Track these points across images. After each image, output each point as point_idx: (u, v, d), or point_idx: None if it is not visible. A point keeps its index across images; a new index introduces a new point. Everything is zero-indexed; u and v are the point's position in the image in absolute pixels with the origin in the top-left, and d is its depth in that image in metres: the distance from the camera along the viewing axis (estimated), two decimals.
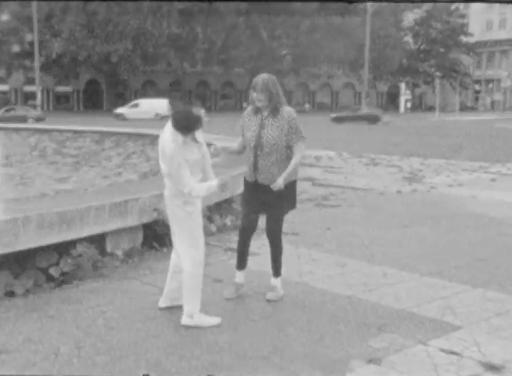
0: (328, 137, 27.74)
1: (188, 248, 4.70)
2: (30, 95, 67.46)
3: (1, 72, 69.06)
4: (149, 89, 79.83)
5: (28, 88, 70.90)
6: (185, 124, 4.51)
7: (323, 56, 74.17)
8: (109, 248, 6.65)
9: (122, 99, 76.14)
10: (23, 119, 43.48)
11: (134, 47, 63.44)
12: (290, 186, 5.32)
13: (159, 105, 54.56)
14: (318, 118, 51.86)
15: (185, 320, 4.67)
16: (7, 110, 46.93)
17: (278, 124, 5.10)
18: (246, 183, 5.34)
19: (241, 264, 5.51)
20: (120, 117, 52.83)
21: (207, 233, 7.15)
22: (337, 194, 10.88)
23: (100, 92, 78.16)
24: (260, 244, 7.06)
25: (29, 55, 61.17)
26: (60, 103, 79.12)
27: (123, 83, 74.85)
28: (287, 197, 5.36)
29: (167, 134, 4.58)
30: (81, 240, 6.20)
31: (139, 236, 6.94)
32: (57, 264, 5.93)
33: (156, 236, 7.03)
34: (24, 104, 70.15)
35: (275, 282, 5.39)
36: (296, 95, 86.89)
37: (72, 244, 6.13)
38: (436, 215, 9.13)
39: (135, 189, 7.68)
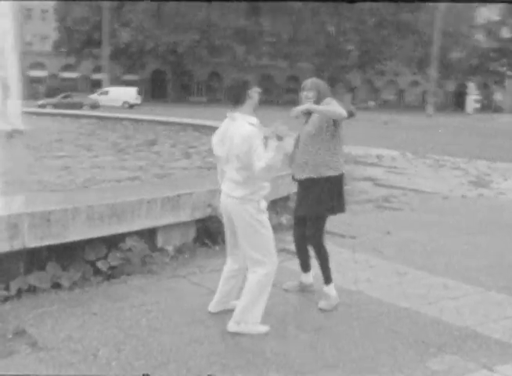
0: (387, 135, 27.05)
1: (262, 257, 4.41)
2: (98, 83, 68.75)
3: (72, 60, 70.50)
4: (215, 81, 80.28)
5: (96, 76, 72.27)
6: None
7: (390, 53, 72.87)
8: (159, 243, 6.49)
9: (187, 89, 76.90)
10: (79, 106, 44.27)
11: (200, 38, 63.79)
12: (330, 184, 5.03)
13: (127, 93, 54.87)
14: (379, 117, 51.01)
15: (232, 327, 4.43)
16: (64, 97, 47.80)
17: (308, 124, 5.06)
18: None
19: (303, 267, 5.43)
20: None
21: None
22: (398, 196, 10.46)
23: (166, 82, 78.92)
24: None
25: (98, 43, 62.32)
26: None
27: (188, 74, 75.47)
28: (327, 196, 5.04)
29: (239, 121, 4.33)
30: (130, 233, 6.06)
31: (191, 232, 6.75)
32: (105, 257, 5.80)
33: (208, 232, 6.83)
34: (92, 92, 71.59)
35: (328, 289, 5.10)
36: (360, 91, 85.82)
37: (121, 237, 6.00)
38: (504, 222, 8.63)
39: (190, 183, 7.49)
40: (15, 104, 15.61)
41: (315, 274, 5.38)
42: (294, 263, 5.61)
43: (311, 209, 5.08)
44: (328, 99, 4.94)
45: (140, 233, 6.19)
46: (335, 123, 4.91)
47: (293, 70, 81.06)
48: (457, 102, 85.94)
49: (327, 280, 5.12)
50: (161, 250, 6.46)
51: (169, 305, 4.86)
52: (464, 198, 10.67)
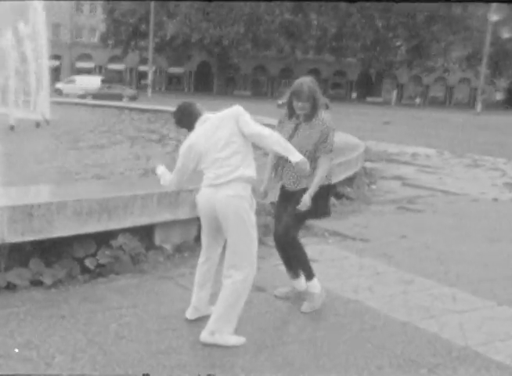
0: (429, 133, 26.28)
1: (245, 258, 4.07)
2: (144, 75, 69.22)
3: (118, 51, 71.06)
4: (260, 74, 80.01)
5: (143, 68, 72.74)
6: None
7: (440, 49, 71.28)
8: (157, 241, 6.20)
9: (232, 82, 76.80)
10: (119, 97, 44.54)
11: (245, 31, 63.48)
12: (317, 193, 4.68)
13: (92, 82, 53.99)
14: (424, 113, 49.99)
15: (205, 337, 4.08)
16: (104, 88, 48.16)
17: (308, 133, 4.61)
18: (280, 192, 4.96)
19: (289, 271, 5.00)
20: (58, 91, 51.87)
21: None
22: (425, 197, 9.95)
23: (211, 75, 78.91)
24: (321, 250, 6.43)
25: (145, 35, 62.62)
26: (172, 84, 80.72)
27: (234, 67, 75.28)
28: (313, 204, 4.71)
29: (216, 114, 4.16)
30: (124, 230, 5.79)
31: (193, 231, 6.43)
32: (95, 255, 5.54)
33: None
34: (138, 83, 72.12)
35: (311, 287, 4.79)
36: (408, 88, 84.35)
37: (114, 234, 5.73)
38: None
39: (193, 179, 7.17)
40: (43, 95, 15.66)
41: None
42: None
43: (316, 215, 4.90)
44: (321, 114, 4.62)
45: (135, 230, 5.92)
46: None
47: (339, 65, 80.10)
48: (509, 100, 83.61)
49: (308, 276, 4.81)
50: (159, 248, 6.18)
51: (146, 309, 4.55)
52: (495, 201, 10.09)
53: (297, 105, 4.55)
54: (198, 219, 6.37)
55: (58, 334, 4.01)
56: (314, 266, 5.74)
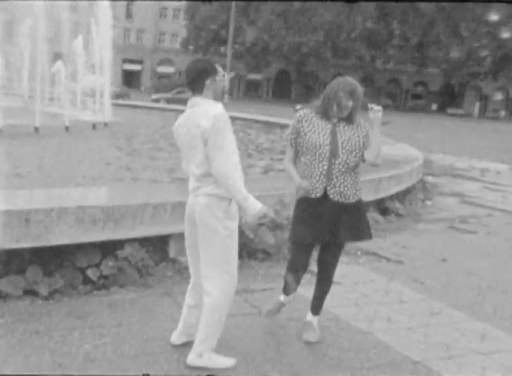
0: (510, 148, 25.00)
1: (220, 274, 3.68)
2: None
3: (198, 57, 71.87)
4: None
5: None
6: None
7: None
8: (172, 253, 5.86)
9: (311, 90, 76.15)
10: None
11: (324, 39, 62.83)
12: (362, 206, 4.23)
13: (97, 81, 53.05)
14: (508, 127, 47.97)
15: (192, 360, 3.72)
16: (177, 92, 48.38)
17: (354, 132, 4.14)
18: (306, 200, 4.19)
19: (288, 290, 4.42)
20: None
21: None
22: (480, 217, 9.21)
23: (290, 83, 78.65)
24: (347, 271, 5.92)
25: (224, 41, 62.99)
26: (251, 91, 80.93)
27: (312, 75, 74.73)
28: (365, 221, 4.25)
29: (203, 106, 3.60)
30: (133, 240, 5.47)
31: None
32: (98, 265, 5.24)
33: None
34: None
35: (314, 319, 4.36)
36: (492, 100, 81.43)
37: (123, 244, 5.42)
38: None
39: None
40: (105, 98, 15.78)
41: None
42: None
43: (363, 234, 4.27)
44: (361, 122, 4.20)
45: (148, 241, 5.60)
46: None
47: (420, 76, 78.26)
48: None
49: (318, 312, 4.39)
50: (173, 261, 5.83)
51: (131, 329, 4.19)
52: None
53: (347, 104, 4.05)
54: None
55: (24, 352, 3.70)
56: (334, 289, 5.29)
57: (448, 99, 79.02)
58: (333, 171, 4.07)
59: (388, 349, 4.20)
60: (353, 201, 4.13)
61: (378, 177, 8.54)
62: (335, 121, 4.14)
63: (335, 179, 4.08)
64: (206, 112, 3.52)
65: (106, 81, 16.52)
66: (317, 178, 4.09)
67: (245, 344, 4.11)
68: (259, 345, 4.13)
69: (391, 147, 13.21)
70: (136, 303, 4.71)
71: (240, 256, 6.06)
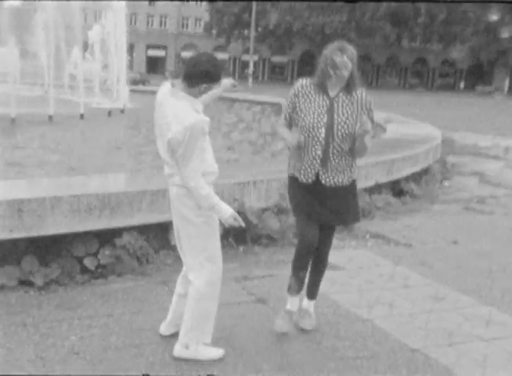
0: None
1: (202, 263, 3.57)
2: (247, 65, 69.31)
3: (222, 41, 71.58)
4: (365, 63, 78.18)
5: (245, 58, 72.89)
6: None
7: None
8: (173, 240, 5.72)
9: None
10: None
11: (348, 19, 62.06)
12: (354, 189, 4.04)
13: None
14: None
15: (178, 351, 3.62)
16: None
17: (351, 108, 3.85)
18: (300, 185, 4.02)
19: (296, 288, 4.14)
20: (71, 77, 50.26)
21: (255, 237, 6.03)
22: (499, 197, 8.95)
23: (314, 64, 77.69)
24: (353, 255, 5.77)
25: (248, 25, 62.58)
26: (275, 74, 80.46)
27: None
28: (354, 204, 4.07)
29: (183, 102, 3.40)
30: (132, 228, 5.37)
31: None
32: (96, 254, 5.16)
33: (234, 230, 5.99)
34: (241, 73, 72.45)
35: (310, 305, 4.21)
36: None
37: (122, 232, 5.33)
38: None
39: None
40: (122, 85, 15.75)
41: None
42: None
43: (354, 217, 4.10)
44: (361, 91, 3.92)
45: (148, 228, 5.51)
46: None
47: (448, 54, 76.96)
48: None
49: (314, 296, 4.23)
50: (174, 248, 5.72)
51: (120, 319, 4.10)
52: None
53: (342, 60, 3.72)
54: None
55: (7, 345, 3.62)
56: (337, 275, 5.18)
57: (477, 76, 77.69)
58: (327, 156, 3.87)
59: (387, 337, 4.04)
60: (346, 184, 3.96)
61: (390, 158, 8.33)
62: (333, 94, 3.89)
63: (328, 164, 3.88)
64: (180, 117, 3.31)
65: (122, 67, 16.44)
66: (309, 162, 3.90)
67: (237, 334, 3.99)
68: (252, 334, 4.00)
69: (411, 127, 12.95)
70: (130, 292, 4.61)
71: (244, 242, 6.05)
